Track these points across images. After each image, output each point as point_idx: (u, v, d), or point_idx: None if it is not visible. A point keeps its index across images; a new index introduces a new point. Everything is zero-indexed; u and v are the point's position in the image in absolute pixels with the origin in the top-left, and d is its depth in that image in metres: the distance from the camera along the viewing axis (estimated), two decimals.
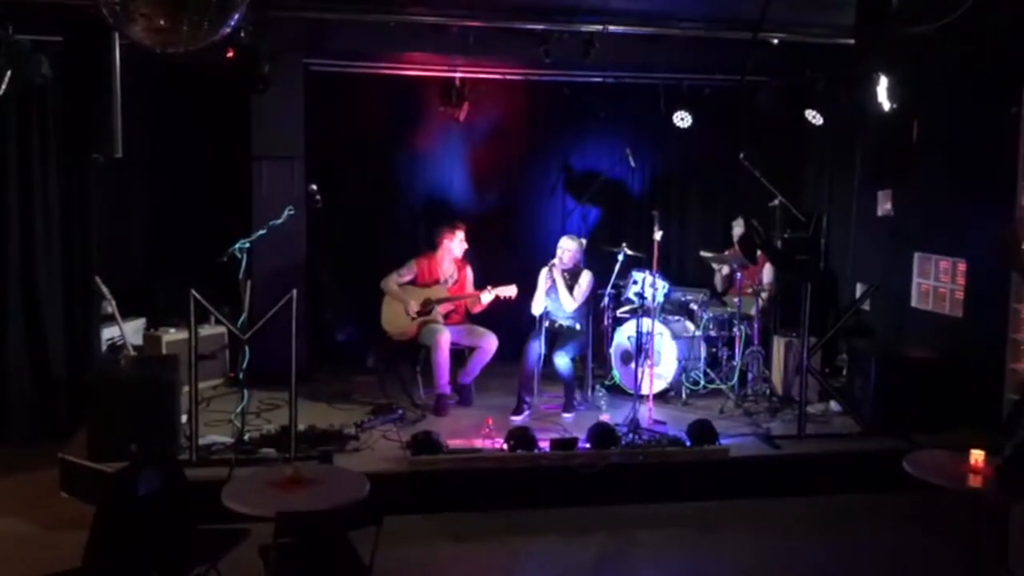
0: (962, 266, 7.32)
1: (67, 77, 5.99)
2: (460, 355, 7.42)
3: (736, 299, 7.80)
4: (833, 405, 7.23)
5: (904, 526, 5.81)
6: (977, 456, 4.37)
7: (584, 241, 7.62)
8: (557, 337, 7.28)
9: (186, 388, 6.06)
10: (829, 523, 5.86)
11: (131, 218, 8.27)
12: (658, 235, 6.99)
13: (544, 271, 7.35)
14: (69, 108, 6.55)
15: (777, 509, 6.03)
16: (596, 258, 7.95)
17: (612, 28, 7.02)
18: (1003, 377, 6.81)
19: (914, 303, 7.85)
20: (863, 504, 6.09)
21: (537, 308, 7.32)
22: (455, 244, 7.47)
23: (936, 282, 7.64)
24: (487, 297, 7.22)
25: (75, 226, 7.12)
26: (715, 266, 8.41)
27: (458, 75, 8.28)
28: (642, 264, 7.55)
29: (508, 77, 8.49)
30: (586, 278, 7.35)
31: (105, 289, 7.02)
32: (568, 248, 7.33)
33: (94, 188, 7.20)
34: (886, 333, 8.01)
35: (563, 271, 7.29)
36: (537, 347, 7.18)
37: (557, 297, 7.30)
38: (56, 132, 6.90)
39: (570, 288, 7.27)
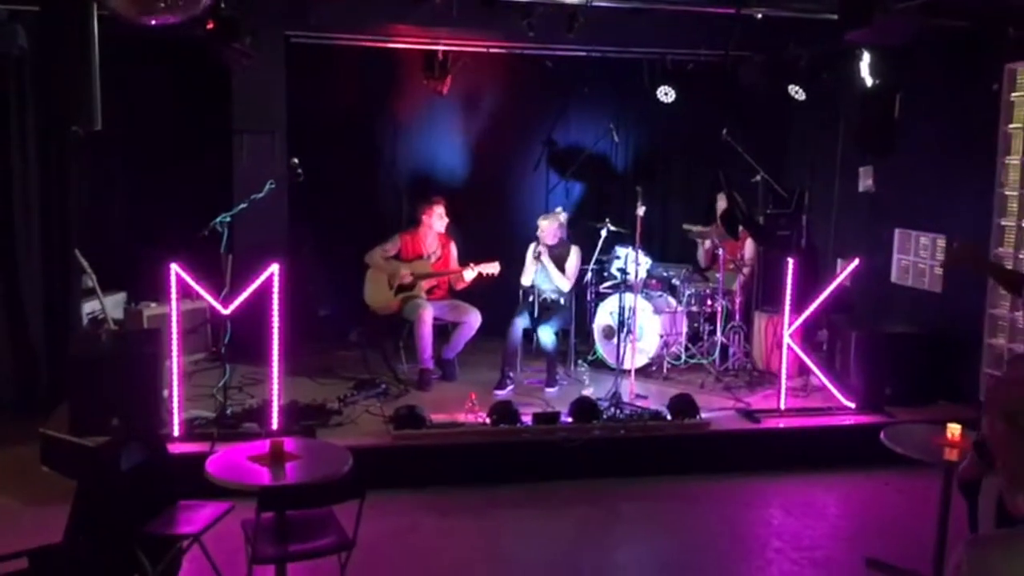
0: (942, 242, 7.37)
1: (44, 48, 5.90)
2: (443, 330, 7.43)
3: (718, 274, 7.83)
4: (813, 380, 7.29)
5: (881, 499, 5.89)
6: (954, 430, 4.42)
7: (561, 213, 7.60)
8: (542, 311, 7.31)
9: (168, 362, 6.04)
10: (808, 496, 5.93)
11: (111, 192, 8.20)
12: (641, 211, 7.00)
13: (532, 247, 7.39)
14: (47, 80, 6.46)
15: (757, 482, 6.09)
16: (579, 233, 7.95)
17: (596, 2, 6.99)
18: (981, 352, 6.88)
19: (894, 279, 7.91)
20: (841, 477, 6.16)
21: (527, 279, 7.37)
22: (435, 220, 7.46)
23: (916, 258, 7.69)
24: (470, 274, 7.23)
25: (54, 200, 7.05)
26: (698, 240, 8.43)
27: (441, 48, 8.22)
28: (625, 240, 7.56)
29: (491, 50, 8.44)
30: (574, 256, 7.39)
31: (85, 263, 6.97)
32: (545, 228, 7.36)
33: (73, 161, 7.13)
34: (866, 308, 8.07)
35: (550, 248, 7.32)
36: (521, 322, 7.22)
37: (544, 270, 7.33)
38: (34, 104, 6.81)
39: (561, 270, 7.31)
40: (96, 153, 7.60)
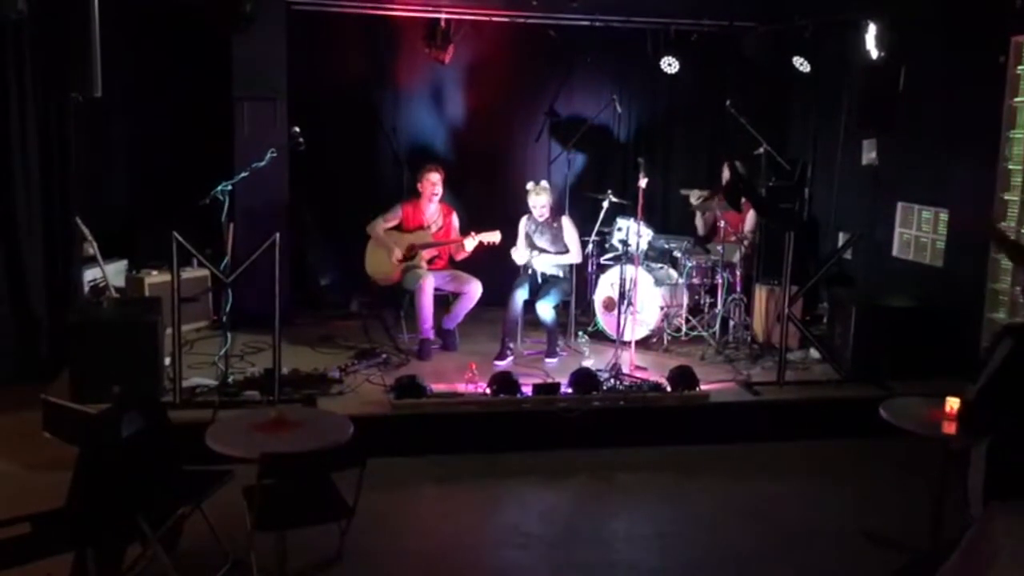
0: (944, 216, 7.36)
1: (44, 13, 5.85)
2: (444, 300, 7.44)
3: (719, 246, 7.82)
4: (813, 353, 7.31)
5: (879, 472, 5.91)
6: (952, 404, 4.43)
7: (546, 186, 7.51)
8: (541, 284, 7.31)
9: (169, 330, 6.05)
10: (806, 468, 5.96)
11: (111, 159, 8.17)
12: (643, 182, 6.98)
13: (523, 224, 7.39)
14: (46, 45, 6.41)
15: (755, 454, 6.12)
16: (581, 205, 7.93)
17: None
18: (981, 326, 6.89)
19: (895, 252, 7.90)
20: (840, 450, 6.18)
21: (520, 257, 7.36)
22: (428, 187, 7.40)
23: (918, 232, 7.68)
24: (471, 243, 7.21)
25: (55, 167, 7.01)
26: (696, 211, 8.38)
27: (443, 16, 8.16)
28: (627, 211, 7.54)
29: (494, 19, 8.37)
30: (570, 229, 7.37)
31: (86, 230, 6.96)
32: (536, 204, 7.34)
33: (73, 128, 7.09)
34: (867, 282, 8.07)
35: (542, 226, 7.32)
36: (521, 294, 7.22)
37: (540, 242, 7.32)
38: (33, 70, 6.76)
39: (564, 250, 7.31)
40: (96, 119, 7.56)
